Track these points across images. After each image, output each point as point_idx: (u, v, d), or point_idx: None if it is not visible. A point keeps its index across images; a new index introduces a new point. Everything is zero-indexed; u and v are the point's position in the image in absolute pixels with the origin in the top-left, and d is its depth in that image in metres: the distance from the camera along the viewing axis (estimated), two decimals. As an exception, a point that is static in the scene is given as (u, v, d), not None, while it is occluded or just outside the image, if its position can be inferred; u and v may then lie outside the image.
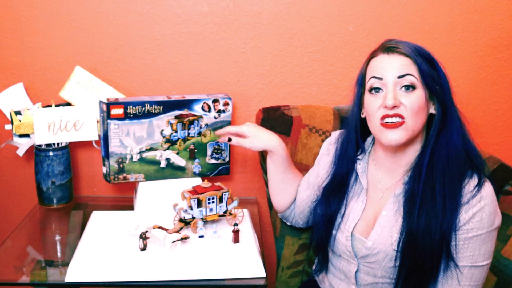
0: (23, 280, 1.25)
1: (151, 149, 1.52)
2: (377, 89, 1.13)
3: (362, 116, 1.21)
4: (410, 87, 1.10)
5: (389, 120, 1.11)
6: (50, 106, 1.59)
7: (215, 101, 1.54)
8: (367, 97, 1.15)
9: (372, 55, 1.16)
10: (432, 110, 1.14)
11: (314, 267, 1.43)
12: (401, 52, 1.11)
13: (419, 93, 1.10)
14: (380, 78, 1.12)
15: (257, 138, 1.36)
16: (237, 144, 1.40)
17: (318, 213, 1.29)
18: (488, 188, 1.12)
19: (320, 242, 1.29)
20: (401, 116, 1.10)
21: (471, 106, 1.71)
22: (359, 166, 1.26)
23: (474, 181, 1.12)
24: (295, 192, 1.43)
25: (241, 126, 1.40)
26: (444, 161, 1.12)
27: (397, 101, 1.09)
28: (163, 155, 1.54)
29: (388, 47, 1.12)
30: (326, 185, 1.28)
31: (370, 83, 1.14)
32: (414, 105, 1.09)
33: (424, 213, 1.11)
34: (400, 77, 1.10)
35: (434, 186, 1.12)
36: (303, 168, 1.50)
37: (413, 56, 1.10)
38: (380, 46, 1.16)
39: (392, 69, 1.10)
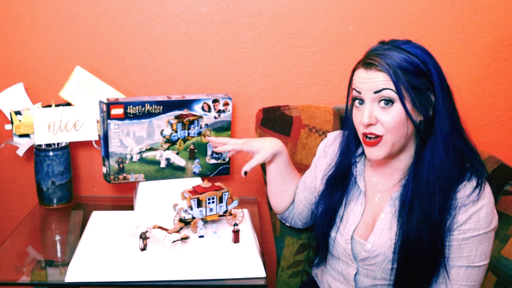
0: (23, 280, 1.25)
1: (151, 149, 1.52)
2: (360, 101, 1.13)
3: None
4: (389, 102, 1.08)
5: (368, 137, 1.12)
6: (50, 106, 1.59)
7: (215, 101, 1.54)
8: (353, 108, 1.16)
9: (356, 67, 1.14)
10: (421, 118, 1.12)
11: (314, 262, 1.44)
12: (378, 69, 1.08)
13: (398, 108, 1.08)
14: (359, 92, 1.11)
15: (264, 149, 1.34)
16: (252, 168, 1.36)
17: (321, 204, 1.29)
18: (486, 189, 1.12)
19: (321, 234, 1.29)
20: (378, 135, 1.10)
21: (471, 106, 1.71)
22: (356, 169, 1.26)
23: (472, 183, 1.12)
24: (294, 193, 1.42)
25: (241, 146, 1.37)
26: (429, 169, 1.11)
27: (372, 119, 1.09)
28: (163, 155, 1.54)
29: (366, 62, 1.10)
30: (330, 176, 1.28)
31: (353, 94, 1.14)
32: (391, 121, 1.08)
33: (415, 219, 1.12)
34: (376, 92, 1.08)
35: (422, 193, 1.12)
36: (303, 168, 1.50)
37: (389, 72, 1.06)
38: (363, 56, 1.13)
39: (369, 84, 1.09)
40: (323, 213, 1.27)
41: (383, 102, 1.09)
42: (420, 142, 1.14)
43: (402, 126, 1.09)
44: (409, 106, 1.08)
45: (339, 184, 1.26)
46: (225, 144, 1.40)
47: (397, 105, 1.08)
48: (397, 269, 1.16)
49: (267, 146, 1.35)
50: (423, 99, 1.09)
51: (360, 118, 1.11)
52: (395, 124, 1.09)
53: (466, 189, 1.11)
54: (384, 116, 1.09)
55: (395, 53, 1.08)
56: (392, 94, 1.07)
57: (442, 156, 1.11)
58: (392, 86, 1.07)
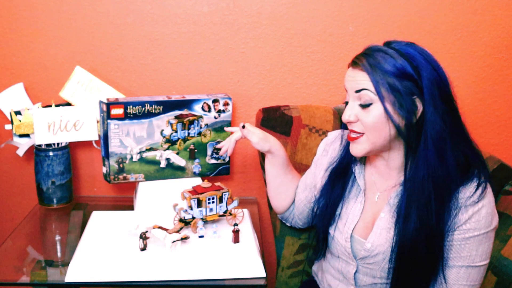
0: (23, 280, 1.25)
1: (151, 149, 1.52)
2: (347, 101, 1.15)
3: None
4: (366, 104, 1.09)
5: (350, 133, 1.15)
6: (50, 106, 1.59)
7: (215, 101, 1.54)
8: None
9: (349, 65, 1.16)
10: (403, 121, 1.09)
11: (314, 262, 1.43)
12: (360, 68, 1.09)
13: (377, 109, 1.08)
14: (346, 91, 1.14)
15: (266, 139, 1.34)
16: (247, 135, 1.34)
17: (322, 199, 1.29)
18: (486, 189, 1.12)
19: (321, 228, 1.28)
20: (358, 132, 1.12)
21: (471, 106, 1.71)
22: (356, 167, 1.26)
23: (473, 183, 1.11)
24: (294, 194, 1.42)
25: (241, 133, 1.36)
26: (423, 177, 1.10)
27: (352, 117, 1.11)
28: (163, 155, 1.54)
29: (353, 61, 1.12)
30: (333, 169, 1.29)
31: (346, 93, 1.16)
32: (369, 122, 1.09)
33: (411, 227, 1.12)
34: (357, 91, 1.10)
35: (418, 201, 1.11)
36: (303, 168, 1.50)
37: (369, 71, 1.07)
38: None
39: (352, 83, 1.11)
40: (324, 207, 1.27)
41: (362, 102, 1.10)
42: (407, 145, 1.13)
43: (382, 127, 1.10)
44: (389, 107, 1.08)
45: (340, 178, 1.27)
46: (226, 145, 1.40)
47: (377, 106, 1.08)
48: (394, 272, 1.16)
49: (268, 137, 1.34)
50: (406, 103, 1.07)
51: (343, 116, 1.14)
52: (374, 124, 1.10)
53: (467, 190, 1.11)
54: (364, 116, 1.10)
55: (382, 54, 1.08)
56: (371, 95, 1.08)
57: (436, 163, 1.09)
58: (371, 87, 1.08)
